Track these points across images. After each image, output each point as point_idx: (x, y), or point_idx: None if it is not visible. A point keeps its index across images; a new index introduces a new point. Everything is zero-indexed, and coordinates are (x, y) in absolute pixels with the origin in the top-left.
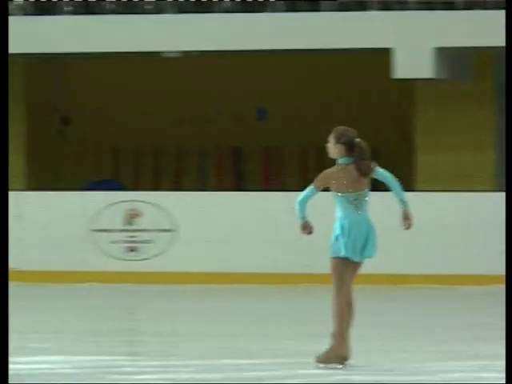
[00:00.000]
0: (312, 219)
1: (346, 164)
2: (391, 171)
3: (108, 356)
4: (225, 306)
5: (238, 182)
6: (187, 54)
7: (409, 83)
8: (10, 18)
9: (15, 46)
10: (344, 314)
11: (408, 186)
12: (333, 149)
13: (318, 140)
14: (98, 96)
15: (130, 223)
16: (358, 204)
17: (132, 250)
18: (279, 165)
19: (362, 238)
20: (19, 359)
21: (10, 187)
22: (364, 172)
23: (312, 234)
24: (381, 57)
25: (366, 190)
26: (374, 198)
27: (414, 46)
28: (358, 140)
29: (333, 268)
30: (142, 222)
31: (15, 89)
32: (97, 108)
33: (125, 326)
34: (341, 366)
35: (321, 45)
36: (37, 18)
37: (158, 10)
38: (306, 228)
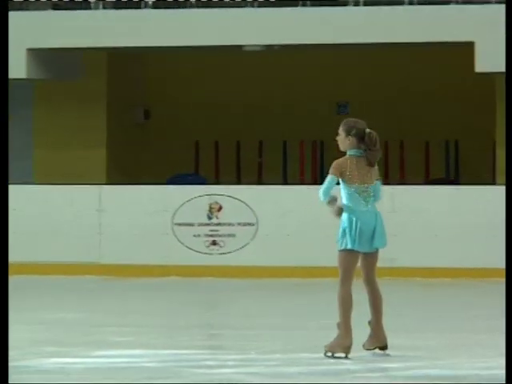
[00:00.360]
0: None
1: (358, 156)
2: (473, 165)
3: (188, 350)
4: (305, 300)
5: (319, 176)
6: (269, 48)
7: (491, 77)
8: (92, 13)
9: (98, 41)
10: (348, 304)
11: (489, 179)
12: (344, 141)
13: (400, 133)
14: (178, 89)
15: (211, 217)
16: (366, 196)
17: (214, 243)
18: None
19: (370, 230)
20: (99, 353)
21: (91, 181)
22: (371, 162)
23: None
24: (463, 50)
25: (376, 181)
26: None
27: (495, 39)
28: (368, 130)
29: (339, 260)
30: (223, 216)
31: (97, 83)
32: (178, 101)
33: (206, 319)
34: (344, 355)
35: (402, 38)
36: (119, 11)
37: (239, 4)
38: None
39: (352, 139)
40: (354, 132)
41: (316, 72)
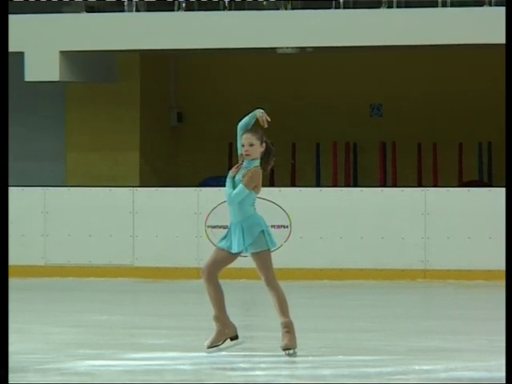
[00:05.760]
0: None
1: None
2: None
3: (222, 352)
4: (338, 302)
5: (353, 178)
6: (302, 50)
7: None
8: (125, 15)
9: (131, 43)
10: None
11: None
12: (259, 149)
13: (433, 135)
14: (212, 92)
15: None
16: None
17: None
18: (394, 160)
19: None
20: (133, 355)
21: (125, 184)
22: (266, 169)
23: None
24: (496, 52)
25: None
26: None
27: None
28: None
29: (268, 259)
30: None
31: (130, 85)
32: (211, 104)
33: (240, 321)
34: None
35: (436, 41)
36: (152, 14)
37: (273, 6)
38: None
39: (262, 148)
40: (264, 140)
41: (349, 74)
